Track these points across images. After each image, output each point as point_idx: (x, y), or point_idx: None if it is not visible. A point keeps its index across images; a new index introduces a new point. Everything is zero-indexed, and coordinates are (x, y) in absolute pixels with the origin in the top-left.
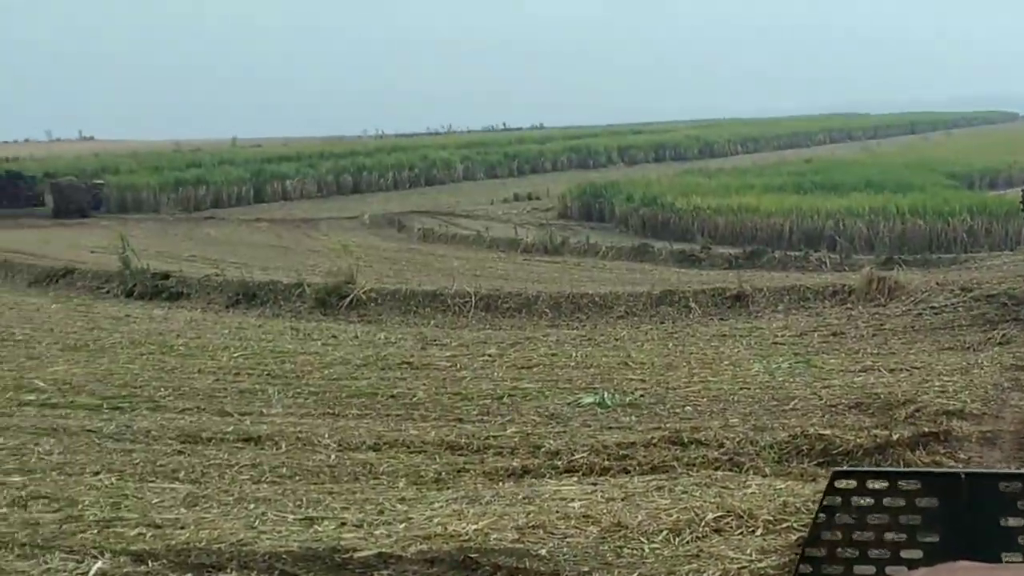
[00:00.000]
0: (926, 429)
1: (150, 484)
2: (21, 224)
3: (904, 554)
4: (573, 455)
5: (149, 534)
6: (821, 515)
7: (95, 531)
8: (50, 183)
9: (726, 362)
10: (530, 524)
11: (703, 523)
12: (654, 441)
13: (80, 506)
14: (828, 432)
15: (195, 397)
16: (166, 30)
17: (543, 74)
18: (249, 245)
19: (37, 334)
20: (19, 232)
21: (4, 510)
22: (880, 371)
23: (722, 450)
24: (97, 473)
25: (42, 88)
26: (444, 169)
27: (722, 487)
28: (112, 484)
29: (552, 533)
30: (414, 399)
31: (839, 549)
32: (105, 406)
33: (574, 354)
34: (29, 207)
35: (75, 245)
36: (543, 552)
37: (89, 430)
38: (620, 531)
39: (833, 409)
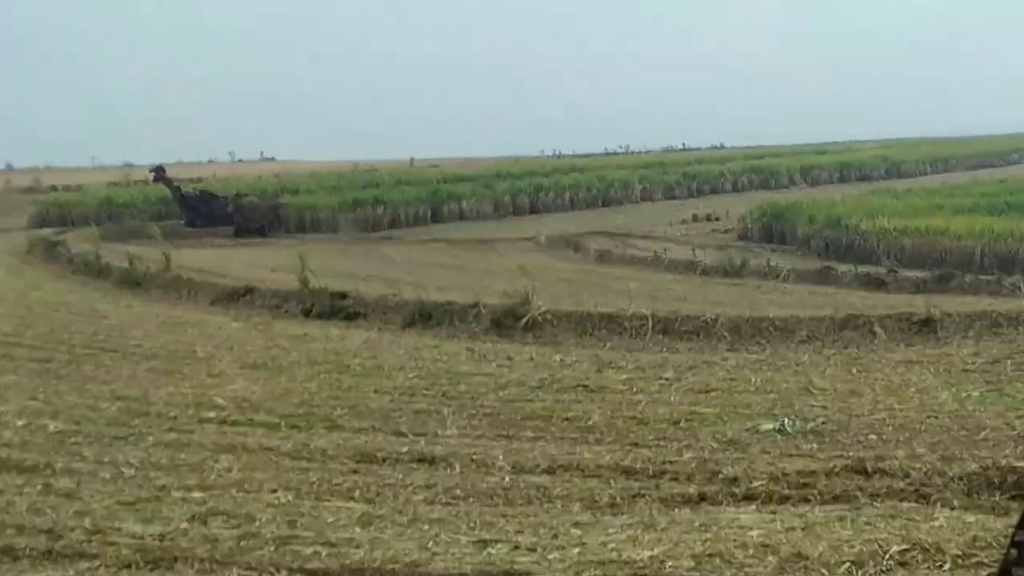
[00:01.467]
0: None
1: (325, 503)
2: (203, 243)
3: None
4: (752, 482)
5: (324, 552)
6: (1013, 551)
7: (272, 548)
8: (232, 202)
9: (912, 389)
10: (707, 552)
11: (887, 556)
12: (836, 470)
13: (257, 523)
14: (1021, 464)
15: (371, 417)
16: (344, 57)
17: (724, 93)
18: (426, 265)
19: (218, 352)
20: (202, 251)
21: (184, 525)
22: None
23: (908, 481)
24: (274, 491)
25: (227, 112)
26: (622, 189)
27: (908, 519)
28: (288, 502)
29: (729, 562)
30: (589, 422)
31: None
32: (283, 424)
33: (753, 379)
34: (222, 226)
35: (255, 264)
36: None
37: (267, 448)
38: (800, 562)
39: None
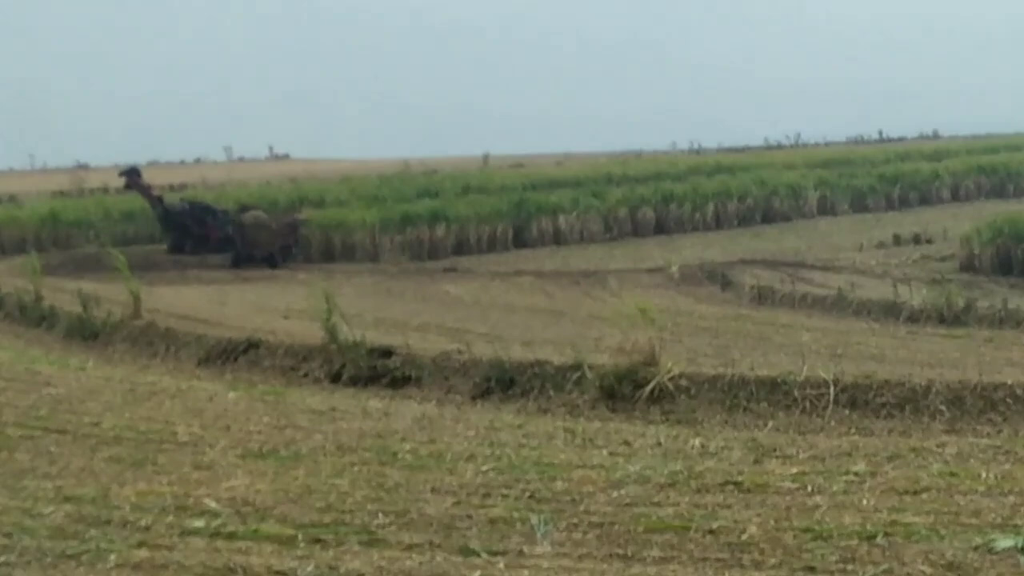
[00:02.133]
0: None
1: None
2: (188, 278)
3: None
4: None
5: None
6: None
7: None
8: (233, 219)
9: None
10: None
11: None
12: None
13: None
14: None
15: (426, 528)
16: (385, 19)
17: (943, 59)
18: (505, 309)
19: (208, 434)
20: (186, 289)
21: None
22: None
23: None
24: None
25: (220, 95)
26: (790, 199)
27: None
28: None
29: None
30: (744, 536)
31: None
32: (301, 538)
33: (984, 474)
34: (222, 252)
35: (262, 307)
36: None
37: (278, 572)
38: None
39: None
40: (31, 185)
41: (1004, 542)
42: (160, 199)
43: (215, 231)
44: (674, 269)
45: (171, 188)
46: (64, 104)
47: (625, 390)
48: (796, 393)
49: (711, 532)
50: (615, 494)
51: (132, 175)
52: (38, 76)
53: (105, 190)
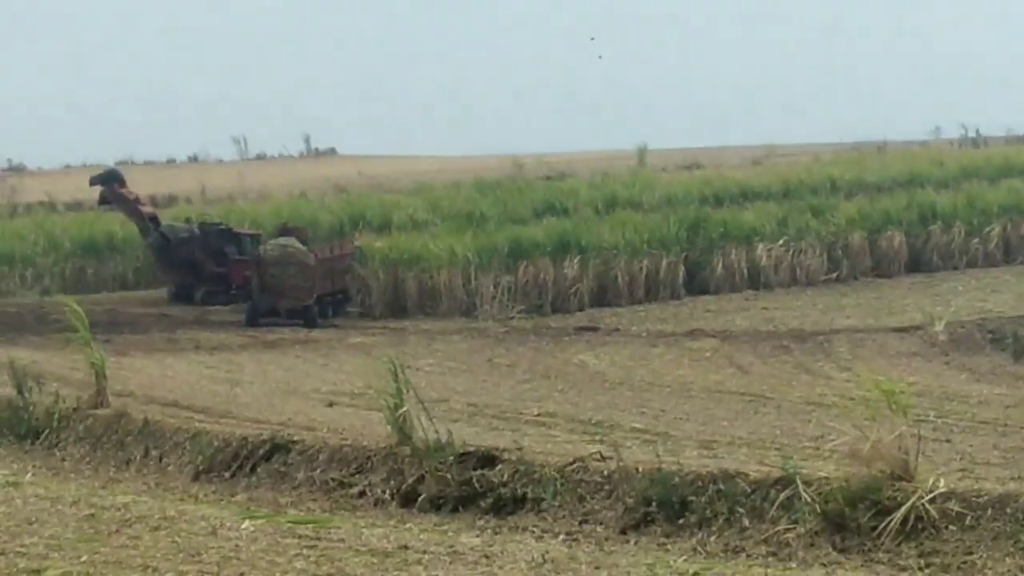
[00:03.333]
0: None
1: None
2: (180, 342)
3: None
4: None
5: None
6: None
7: None
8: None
9: None
10: None
11: None
12: None
13: None
14: None
15: None
16: None
17: None
18: (673, 391)
19: None
20: (179, 361)
21: None
22: None
23: None
24: None
25: (230, 73)
26: None
27: None
28: None
29: None
30: None
31: None
32: None
33: None
34: (246, 299)
35: (293, 390)
36: None
37: None
38: None
39: None
40: None
41: None
42: (155, 219)
43: (241, 269)
44: (939, 328)
45: (153, 203)
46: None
47: (861, 519)
48: None
49: None
50: None
51: (110, 183)
52: None
53: (52, 205)
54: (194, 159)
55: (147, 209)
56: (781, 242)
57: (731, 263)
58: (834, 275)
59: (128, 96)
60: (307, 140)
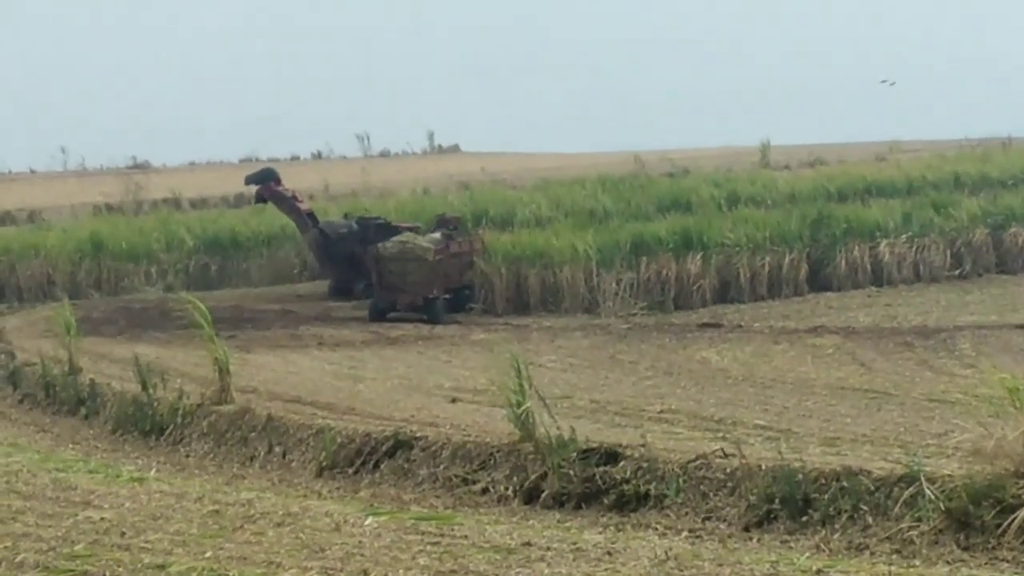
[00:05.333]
0: None
1: None
2: (304, 339)
3: None
4: None
5: None
6: None
7: None
8: (358, 241)
9: None
10: None
11: None
12: None
13: None
14: None
15: None
16: None
17: None
18: (796, 388)
19: None
20: (303, 358)
21: None
22: None
23: None
24: None
25: (350, 67)
26: None
27: None
28: None
29: None
30: None
31: None
32: None
33: None
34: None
35: (416, 386)
36: None
37: None
38: None
39: None
40: (62, 195)
41: None
42: (311, 215)
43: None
44: None
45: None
46: (104, 78)
47: (985, 516)
48: None
49: None
50: None
51: (266, 181)
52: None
53: (177, 203)
54: (318, 156)
55: (303, 206)
56: (905, 238)
57: (854, 259)
58: (957, 272)
59: (253, 93)
60: (431, 137)
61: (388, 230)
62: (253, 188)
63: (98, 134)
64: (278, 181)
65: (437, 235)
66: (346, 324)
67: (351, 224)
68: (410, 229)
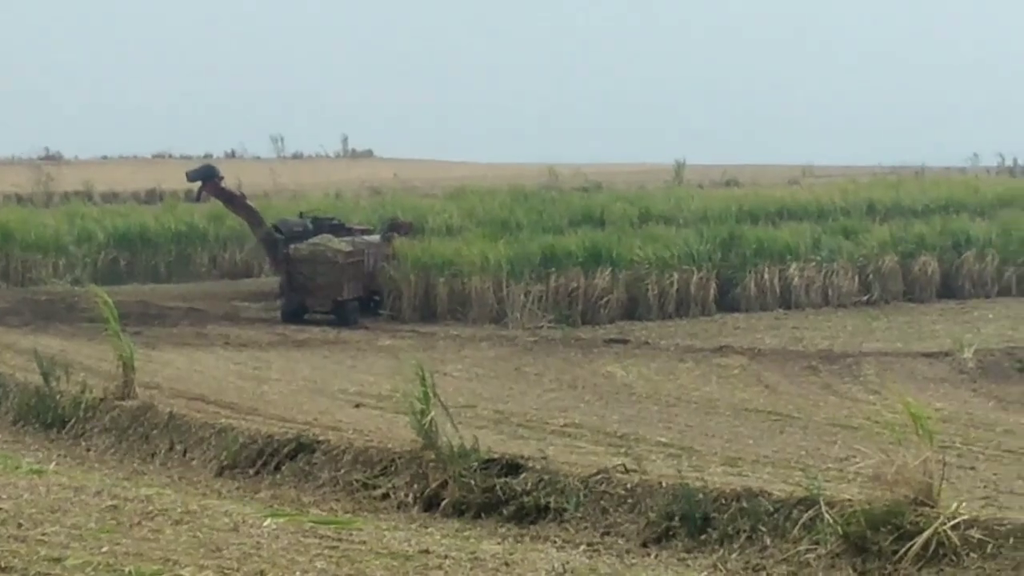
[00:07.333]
0: None
1: None
2: (210, 338)
3: None
4: None
5: None
6: None
7: None
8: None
9: None
10: None
11: None
12: None
13: None
14: None
15: None
16: None
17: None
18: (700, 407)
19: None
20: (208, 356)
21: None
22: None
23: None
24: None
25: (269, 69)
26: None
27: None
28: None
29: None
30: None
31: None
32: None
33: None
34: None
35: (321, 389)
36: None
37: None
38: None
39: None
40: None
41: None
42: (256, 215)
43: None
44: (968, 354)
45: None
46: (16, 68)
47: (883, 542)
48: None
49: None
50: None
51: (209, 178)
52: None
53: (88, 196)
54: (231, 155)
55: (251, 202)
56: (814, 263)
57: (763, 281)
58: (865, 298)
59: (167, 89)
60: (344, 141)
61: (342, 231)
62: (195, 185)
63: (9, 124)
64: (220, 178)
65: (376, 238)
66: (253, 324)
67: (306, 223)
68: (363, 231)
